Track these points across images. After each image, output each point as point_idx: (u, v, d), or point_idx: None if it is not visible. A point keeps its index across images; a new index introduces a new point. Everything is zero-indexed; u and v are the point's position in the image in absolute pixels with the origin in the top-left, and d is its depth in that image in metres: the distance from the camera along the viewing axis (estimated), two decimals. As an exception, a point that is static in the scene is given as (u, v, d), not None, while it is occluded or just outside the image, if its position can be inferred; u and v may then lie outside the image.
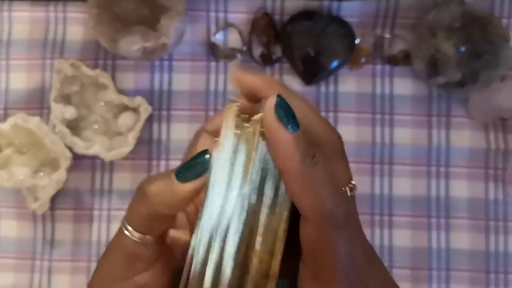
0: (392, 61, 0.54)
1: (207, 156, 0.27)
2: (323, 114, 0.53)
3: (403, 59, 0.54)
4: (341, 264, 0.27)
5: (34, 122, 0.50)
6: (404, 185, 0.53)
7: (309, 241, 0.27)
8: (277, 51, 0.54)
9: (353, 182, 0.29)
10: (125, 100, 0.52)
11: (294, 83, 0.54)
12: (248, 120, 0.28)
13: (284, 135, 0.25)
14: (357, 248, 0.28)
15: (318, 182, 0.26)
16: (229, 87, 0.54)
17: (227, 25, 0.54)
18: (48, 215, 0.52)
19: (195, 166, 0.27)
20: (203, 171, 0.27)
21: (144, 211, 0.28)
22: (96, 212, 0.53)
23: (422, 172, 0.53)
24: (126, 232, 0.28)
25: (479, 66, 0.50)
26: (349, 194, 0.28)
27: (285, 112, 0.25)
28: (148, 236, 0.28)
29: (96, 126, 0.53)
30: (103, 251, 0.30)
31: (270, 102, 0.26)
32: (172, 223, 0.30)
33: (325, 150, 0.28)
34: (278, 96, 0.26)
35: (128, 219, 0.28)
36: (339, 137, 0.30)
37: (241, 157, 0.27)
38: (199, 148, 0.28)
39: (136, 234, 0.28)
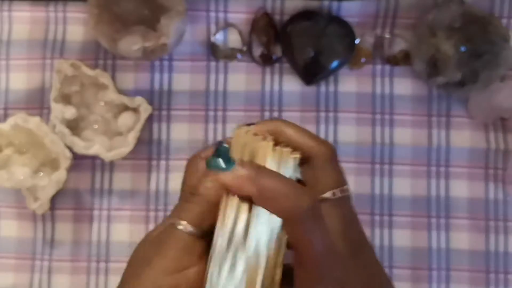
0: (392, 61, 0.54)
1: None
2: (323, 114, 0.53)
3: (403, 59, 0.54)
4: (316, 252, 0.31)
5: (34, 122, 0.50)
6: (404, 185, 0.53)
7: (290, 238, 0.31)
8: (277, 51, 0.54)
9: (345, 186, 0.36)
10: (125, 100, 0.52)
11: (294, 83, 0.54)
12: None
13: (226, 177, 0.31)
14: (337, 238, 0.34)
15: (275, 190, 0.30)
16: (229, 87, 0.54)
17: (227, 25, 0.54)
18: (48, 215, 0.52)
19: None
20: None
21: (198, 207, 0.32)
22: (96, 212, 0.53)
23: (422, 172, 0.53)
24: (180, 227, 0.32)
25: (479, 66, 0.50)
26: (339, 195, 0.35)
27: (214, 163, 0.32)
28: (200, 227, 0.32)
29: (96, 126, 0.53)
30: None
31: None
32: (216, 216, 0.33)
33: (314, 161, 0.35)
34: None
35: (181, 216, 0.32)
36: (328, 148, 0.36)
37: None
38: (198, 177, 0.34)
39: (190, 227, 0.32)
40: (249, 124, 0.36)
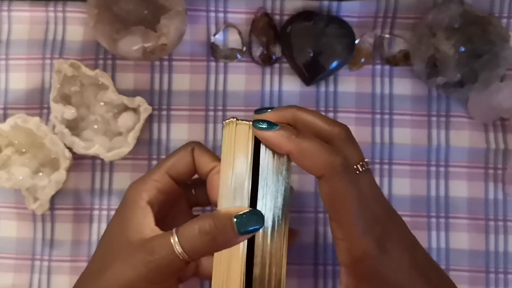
0: (392, 61, 0.54)
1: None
2: (322, 114, 0.53)
3: (403, 59, 0.54)
4: (354, 208, 0.35)
5: (33, 122, 0.50)
6: (403, 185, 0.53)
7: (326, 195, 0.35)
8: (277, 51, 0.54)
9: (365, 160, 0.38)
10: (125, 100, 0.51)
11: (293, 83, 0.54)
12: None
13: (270, 135, 0.37)
14: (369, 200, 0.36)
15: (311, 149, 0.35)
16: (228, 87, 0.54)
17: (226, 25, 0.54)
18: (48, 215, 0.52)
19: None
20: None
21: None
22: (96, 212, 0.53)
23: (422, 172, 0.53)
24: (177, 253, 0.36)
25: (479, 66, 0.50)
26: (360, 170, 0.37)
27: (261, 123, 0.37)
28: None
29: (96, 126, 0.53)
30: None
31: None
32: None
33: (334, 141, 0.38)
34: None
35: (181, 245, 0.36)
36: (344, 128, 0.39)
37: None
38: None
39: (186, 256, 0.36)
40: (265, 109, 0.40)
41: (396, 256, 0.35)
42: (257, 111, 0.40)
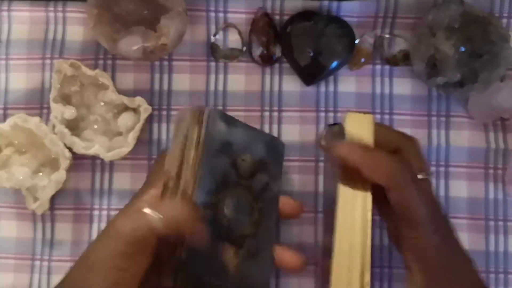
0: (392, 61, 0.54)
1: None
2: (322, 114, 0.53)
3: (403, 59, 0.54)
4: (424, 212, 0.39)
5: (33, 122, 0.50)
6: (403, 185, 0.53)
7: (396, 203, 0.39)
8: (277, 51, 0.54)
9: (430, 169, 0.45)
10: (125, 100, 0.51)
11: (293, 83, 0.54)
12: None
13: (340, 147, 0.40)
14: (434, 202, 0.41)
15: (379, 162, 0.39)
16: (228, 87, 0.54)
17: (226, 25, 0.54)
18: (48, 215, 0.52)
19: None
20: None
21: None
22: (96, 212, 0.53)
23: (422, 172, 0.53)
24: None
25: (479, 66, 0.50)
26: (420, 177, 0.41)
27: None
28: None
29: (96, 126, 0.53)
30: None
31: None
32: None
33: (404, 151, 0.42)
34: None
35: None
36: (412, 141, 0.43)
37: None
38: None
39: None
40: (334, 124, 0.44)
41: (458, 250, 0.41)
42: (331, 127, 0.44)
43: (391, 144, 0.42)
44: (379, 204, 0.42)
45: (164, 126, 0.53)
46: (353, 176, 0.40)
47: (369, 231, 0.40)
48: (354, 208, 0.40)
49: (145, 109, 0.51)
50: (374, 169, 0.39)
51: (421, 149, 0.43)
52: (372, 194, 0.40)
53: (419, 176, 0.41)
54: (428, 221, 0.39)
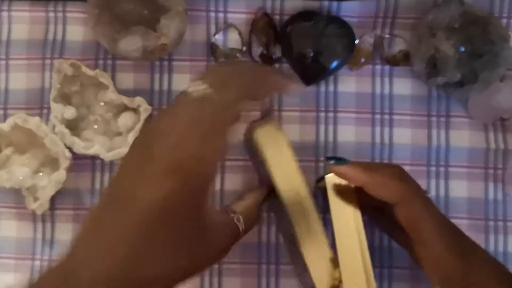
0: (392, 61, 0.54)
1: None
2: (322, 114, 0.53)
3: (403, 59, 0.54)
4: (434, 226, 0.39)
5: (33, 122, 0.50)
6: (403, 185, 0.53)
7: (404, 219, 0.39)
8: (277, 51, 0.54)
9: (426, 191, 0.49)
10: (125, 100, 0.52)
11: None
12: None
13: (344, 169, 0.42)
14: (443, 217, 0.41)
15: (386, 179, 0.40)
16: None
17: (226, 25, 0.54)
18: (48, 215, 0.52)
19: None
20: None
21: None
22: (96, 212, 0.53)
23: (422, 172, 0.53)
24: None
25: (479, 66, 0.50)
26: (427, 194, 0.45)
27: (335, 161, 0.43)
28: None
29: (96, 126, 0.53)
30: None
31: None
32: None
33: (395, 175, 0.42)
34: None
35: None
36: (397, 167, 0.43)
37: None
38: None
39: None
40: (335, 158, 0.45)
41: (482, 268, 0.40)
42: (329, 159, 0.45)
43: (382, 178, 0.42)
44: (392, 232, 0.46)
45: (164, 126, 0.53)
46: (346, 200, 0.42)
47: (365, 245, 0.41)
48: (349, 225, 0.42)
49: (145, 109, 0.51)
50: (382, 187, 0.40)
51: (405, 172, 0.43)
52: (385, 229, 0.45)
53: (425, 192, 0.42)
54: (441, 236, 0.39)
